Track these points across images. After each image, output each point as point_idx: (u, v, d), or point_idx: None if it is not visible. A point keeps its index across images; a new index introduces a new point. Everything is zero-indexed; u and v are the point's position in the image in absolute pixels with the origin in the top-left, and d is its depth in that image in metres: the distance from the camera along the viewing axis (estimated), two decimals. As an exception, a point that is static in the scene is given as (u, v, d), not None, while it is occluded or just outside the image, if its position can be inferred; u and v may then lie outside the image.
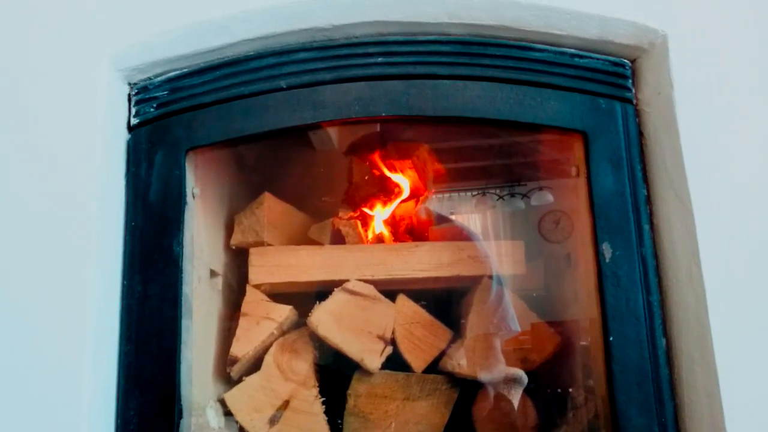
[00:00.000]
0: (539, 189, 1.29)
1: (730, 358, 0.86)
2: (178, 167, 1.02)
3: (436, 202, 1.29)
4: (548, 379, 1.12)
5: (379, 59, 1.03)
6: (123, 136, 1.04)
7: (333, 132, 1.34)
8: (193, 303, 1.04)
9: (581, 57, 1.02)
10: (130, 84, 1.06)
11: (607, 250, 0.95)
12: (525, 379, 1.11)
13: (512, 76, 1.01)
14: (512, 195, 1.30)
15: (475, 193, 1.30)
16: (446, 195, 1.31)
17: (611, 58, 1.02)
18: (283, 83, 1.03)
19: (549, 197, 1.27)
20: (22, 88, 0.99)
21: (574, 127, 1.00)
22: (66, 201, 0.95)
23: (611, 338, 0.93)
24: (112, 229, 1.00)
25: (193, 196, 1.07)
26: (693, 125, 0.94)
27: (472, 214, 1.31)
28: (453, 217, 1.34)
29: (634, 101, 1.01)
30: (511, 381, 1.11)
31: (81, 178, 0.96)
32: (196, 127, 1.04)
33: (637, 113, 1.01)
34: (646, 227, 0.97)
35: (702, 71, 0.95)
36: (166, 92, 1.05)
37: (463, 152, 1.33)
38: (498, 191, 1.30)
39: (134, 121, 1.05)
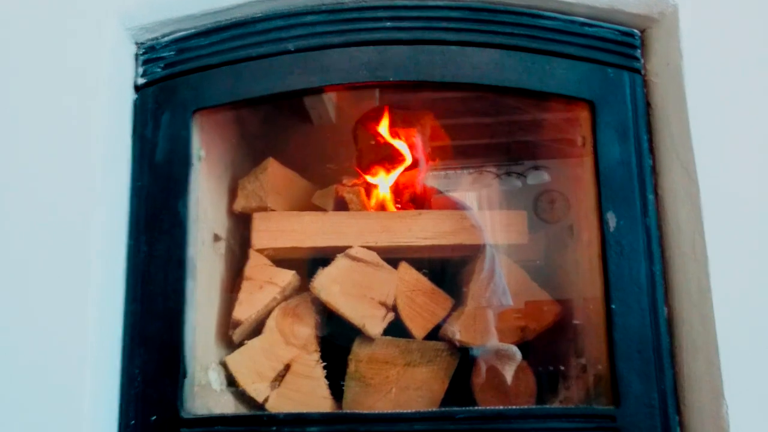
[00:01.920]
0: (535, 168, 1.29)
1: (730, 327, 0.87)
2: (185, 128, 1.02)
3: (432, 180, 1.29)
4: (548, 348, 1.13)
5: (388, 24, 1.02)
6: (129, 95, 1.04)
7: (334, 102, 1.34)
8: (197, 265, 1.05)
9: (591, 26, 1.02)
10: (137, 43, 1.05)
11: (611, 219, 0.96)
12: (519, 354, 1.12)
13: (521, 44, 1.01)
14: (509, 174, 1.30)
15: (471, 171, 1.30)
16: (443, 173, 1.31)
17: (621, 28, 1.02)
18: (290, 46, 1.02)
19: (545, 176, 1.28)
20: (28, 45, 0.98)
21: (581, 96, 1.00)
22: (71, 159, 0.95)
23: (613, 306, 0.94)
24: (118, 188, 1.00)
25: (199, 159, 1.06)
26: (701, 96, 0.94)
27: (469, 192, 1.31)
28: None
29: (643, 71, 1.01)
30: (506, 354, 1.12)
31: (86, 136, 0.96)
32: (203, 88, 1.03)
33: (645, 83, 1.01)
34: (651, 197, 0.97)
35: (712, 42, 0.95)
36: (173, 52, 1.04)
37: (461, 129, 1.33)
38: (495, 170, 1.30)
39: (141, 81, 1.04)
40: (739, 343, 0.87)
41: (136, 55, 1.05)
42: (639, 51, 1.02)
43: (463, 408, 0.95)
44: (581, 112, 1.04)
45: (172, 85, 1.04)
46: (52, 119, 0.96)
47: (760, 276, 0.89)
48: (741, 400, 0.86)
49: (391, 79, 1.01)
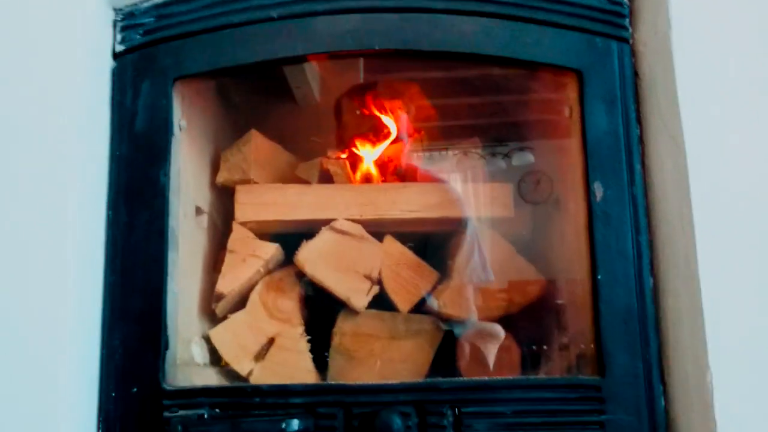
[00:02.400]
0: (520, 149, 1.28)
1: (716, 297, 0.87)
2: (165, 96, 0.99)
3: (416, 159, 1.28)
4: (534, 321, 1.13)
5: (374, -10, 1.00)
6: (108, 63, 1.01)
7: (318, 77, 1.33)
8: (179, 237, 1.03)
9: (579, -7, 1.00)
10: (115, 9, 1.02)
11: (598, 189, 0.95)
12: (502, 332, 1.11)
13: (509, 12, 0.99)
14: (493, 155, 1.29)
15: (456, 152, 1.29)
16: (427, 153, 1.30)
17: (609, -5, 1.01)
18: (274, 13, 1.00)
19: (530, 157, 1.27)
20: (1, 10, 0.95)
21: (569, 66, 0.99)
22: (46, 128, 0.92)
23: (599, 277, 0.93)
24: (97, 158, 0.98)
25: (180, 129, 1.04)
26: (689, 65, 0.93)
27: (453, 173, 1.29)
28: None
29: (631, 41, 1.00)
30: (489, 331, 1.12)
31: (62, 104, 0.93)
32: (183, 56, 1.01)
33: (633, 53, 1.00)
34: (638, 167, 0.97)
35: (701, 11, 0.94)
36: (152, 19, 1.02)
37: (445, 110, 1.32)
38: (479, 150, 1.29)
39: (119, 48, 1.01)
40: (724, 313, 0.87)
41: (115, 22, 1.02)
42: (627, 20, 1.00)
43: (449, 379, 0.95)
44: (569, 83, 1.03)
45: (152, 52, 1.01)
46: (27, 86, 0.93)
47: (747, 246, 0.88)
48: (725, 370, 0.86)
49: (376, 48, 1.00)
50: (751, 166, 0.90)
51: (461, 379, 1.01)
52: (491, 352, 1.10)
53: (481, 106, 1.30)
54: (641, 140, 0.98)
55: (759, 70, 0.92)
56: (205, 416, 0.91)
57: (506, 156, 1.27)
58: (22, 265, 0.89)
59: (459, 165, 1.28)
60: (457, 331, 1.13)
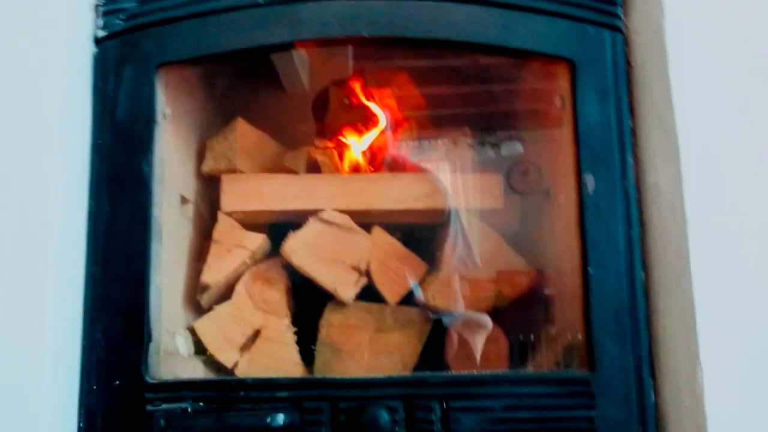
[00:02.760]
0: (509, 139, 1.26)
1: (707, 290, 0.86)
2: (149, 83, 0.97)
3: (405, 149, 1.26)
4: (523, 314, 1.12)
5: (362, -24, 0.98)
6: (89, 49, 0.98)
7: (307, 65, 1.30)
8: (163, 227, 1.01)
9: (571, -19, 0.98)
10: (96, -7, 1.00)
11: (590, 181, 0.94)
12: (490, 323, 1.10)
13: (500, 0, 0.97)
14: (482, 144, 1.27)
15: (445, 141, 1.27)
16: (416, 143, 1.28)
17: (602, -17, 0.99)
18: (260, -1, 0.98)
19: (519, 147, 1.25)
20: (-21, -7, 0.93)
21: (561, 55, 0.97)
22: (25, 115, 0.90)
23: (590, 270, 0.92)
24: (78, 146, 0.95)
25: (164, 117, 1.02)
26: (683, 55, 0.91)
27: (443, 163, 1.28)
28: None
29: (624, 29, 0.98)
30: (477, 323, 1.11)
31: (42, 91, 0.91)
32: (167, 42, 0.98)
33: (626, 42, 0.98)
34: (630, 159, 0.95)
35: (694, -1, 0.93)
36: (135, 3, 0.99)
37: (434, 98, 1.30)
38: (468, 140, 1.28)
39: (101, 33, 0.99)
40: (716, 307, 0.86)
41: (96, 6, 1.00)
42: (620, 8, 0.99)
43: (437, 373, 0.94)
44: (560, 73, 1.01)
45: (135, 38, 0.99)
46: (4, 72, 0.91)
47: (740, 240, 0.87)
48: (716, 365, 0.85)
49: (365, 35, 0.98)
50: (745, 158, 0.89)
51: (449, 373, 1.00)
52: (479, 344, 1.09)
53: (470, 96, 1.28)
54: (633, 132, 0.96)
55: (753, 59, 0.91)
56: (189, 410, 0.90)
57: (495, 146, 1.26)
58: (0, 254, 0.87)
59: (448, 154, 1.26)
60: (445, 322, 1.12)
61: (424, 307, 1.12)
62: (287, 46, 1.02)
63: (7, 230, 0.87)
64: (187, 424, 0.88)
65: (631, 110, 0.97)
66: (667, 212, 0.91)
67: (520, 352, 1.09)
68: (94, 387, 0.92)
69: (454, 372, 1.03)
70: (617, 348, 0.91)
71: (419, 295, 1.12)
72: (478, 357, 1.08)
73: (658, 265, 0.92)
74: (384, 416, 0.88)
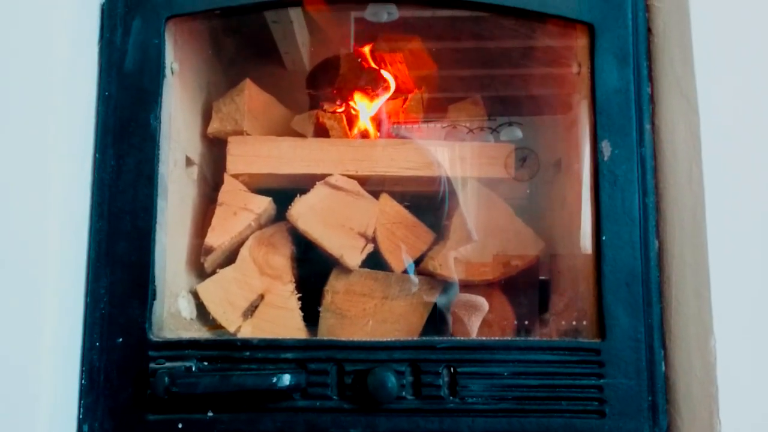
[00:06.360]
0: (509, 124, 1.24)
1: (723, 259, 0.85)
2: (157, 36, 0.95)
3: (405, 132, 1.24)
4: (533, 283, 1.10)
5: (379, -67, 0.96)
6: (97, -2, 0.96)
7: (308, 42, 1.28)
8: (168, 185, 0.99)
9: (593, -58, 0.96)
10: (105, -59, 0.97)
11: (606, 148, 0.92)
12: (485, 305, 1.09)
13: (520, -39, 0.95)
14: (482, 129, 1.25)
15: (445, 125, 1.25)
16: (415, 126, 1.26)
17: (624, -55, 0.97)
18: (273, -48, 0.95)
19: (518, 133, 1.23)
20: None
21: (581, 18, 0.95)
22: (31, 63, 0.87)
23: (604, 238, 0.91)
24: (84, 98, 0.93)
25: (172, 72, 0.99)
26: (706, 22, 0.89)
27: (452, 130, 1.26)
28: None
29: (645, -5, 0.97)
30: (473, 304, 1.09)
31: (48, 39, 0.88)
32: (177, -7, 0.96)
33: (648, 8, 0.96)
34: (647, 126, 0.94)
35: (720, -37, 0.91)
36: (146, -48, 0.96)
37: (439, 81, 1.28)
38: (468, 124, 1.26)
39: (110, -18, 0.96)
40: (731, 277, 0.85)
41: (105, -45, 0.97)
42: (642, -28, 0.97)
43: (445, 338, 0.92)
44: (579, 38, 0.99)
45: (144, -13, 0.96)
46: (9, 19, 0.88)
47: (757, 209, 0.86)
48: (730, 335, 0.84)
49: (381, -8, 0.96)
50: (766, 130, 0.87)
51: (458, 338, 0.98)
52: (475, 325, 1.08)
53: (476, 78, 1.26)
54: (652, 99, 0.94)
55: (778, 28, 0.89)
56: (193, 368, 0.88)
57: (494, 130, 1.24)
58: (1, 204, 0.84)
59: (447, 139, 1.24)
60: (449, 293, 1.10)
61: (430, 276, 1.11)
62: (297, 2, 0.99)
63: (8, 179, 0.85)
64: (191, 383, 0.86)
65: (651, 77, 0.95)
66: (683, 181, 0.89)
67: (529, 321, 1.08)
68: (97, 344, 0.90)
69: (462, 337, 1.01)
70: (629, 317, 0.90)
71: (426, 263, 1.10)
72: (474, 332, 1.07)
73: (673, 234, 0.91)
74: (391, 379, 0.87)
